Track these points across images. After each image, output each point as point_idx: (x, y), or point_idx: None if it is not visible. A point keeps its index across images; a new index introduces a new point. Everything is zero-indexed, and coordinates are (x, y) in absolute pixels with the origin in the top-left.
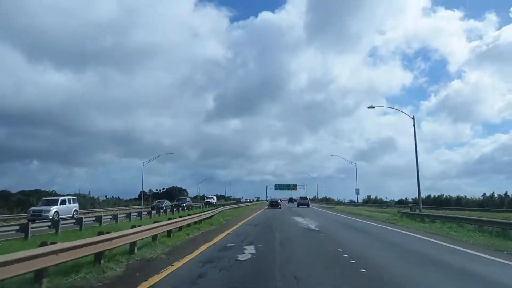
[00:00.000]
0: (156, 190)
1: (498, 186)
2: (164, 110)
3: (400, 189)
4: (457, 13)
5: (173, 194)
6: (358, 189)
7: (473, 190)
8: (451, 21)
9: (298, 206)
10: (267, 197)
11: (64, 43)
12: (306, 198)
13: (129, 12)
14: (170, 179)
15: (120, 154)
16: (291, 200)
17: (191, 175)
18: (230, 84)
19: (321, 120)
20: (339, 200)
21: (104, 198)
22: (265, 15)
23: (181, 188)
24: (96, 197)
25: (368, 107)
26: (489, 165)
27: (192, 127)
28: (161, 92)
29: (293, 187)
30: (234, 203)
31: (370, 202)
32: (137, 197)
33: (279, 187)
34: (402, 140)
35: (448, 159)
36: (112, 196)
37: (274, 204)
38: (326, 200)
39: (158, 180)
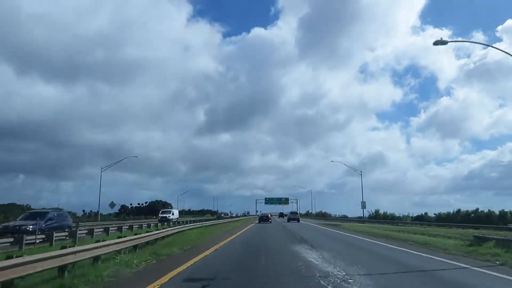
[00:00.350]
0: (138, 204)
1: (487, 202)
2: (154, 124)
3: (391, 204)
4: (445, 32)
5: (157, 208)
6: (365, 202)
7: (465, 205)
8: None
9: (288, 221)
10: (256, 211)
11: (54, 56)
12: (297, 213)
13: (120, 27)
14: (159, 194)
15: (108, 168)
16: (281, 215)
17: (181, 189)
18: (221, 99)
19: (312, 135)
20: (337, 215)
21: (82, 213)
22: (257, 31)
23: (165, 202)
24: (73, 212)
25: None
26: (477, 181)
27: (182, 141)
28: (152, 106)
29: (285, 201)
30: (212, 219)
31: (379, 217)
32: (117, 211)
33: (269, 201)
34: (392, 155)
35: (437, 174)
36: (91, 211)
37: (264, 218)
38: (322, 215)
39: (148, 194)
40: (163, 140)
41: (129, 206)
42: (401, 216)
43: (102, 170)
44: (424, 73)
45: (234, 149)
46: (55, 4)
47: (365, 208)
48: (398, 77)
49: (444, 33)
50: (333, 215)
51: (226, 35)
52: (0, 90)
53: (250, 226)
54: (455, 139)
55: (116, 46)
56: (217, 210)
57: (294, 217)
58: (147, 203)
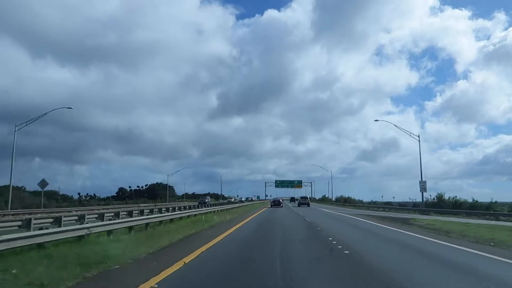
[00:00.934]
0: (138, 187)
1: (501, 188)
2: (166, 108)
3: (402, 189)
4: (465, 12)
5: (156, 191)
6: (425, 183)
7: (478, 191)
8: (459, 20)
9: (299, 205)
10: (266, 196)
11: (67, 39)
12: (307, 197)
13: (132, 10)
14: (170, 178)
15: (119, 151)
16: (292, 199)
17: (192, 173)
18: (233, 82)
19: (325, 120)
20: (362, 201)
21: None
22: (270, 13)
23: (166, 185)
24: (70, 195)
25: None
26: (492, 166)
27: (194, 125)
28: (164, 90)
29: (297, 184)
30: (211, 205)
31: (445, 205)
32: (115, 194)
33: (280, 184)
34: (405, 141)
35: (450, 159)
36: (87, 194)
37: (276, 203)
38: (345, 201)
39: (159, 178)
40: (175, 124)
41: (128, 189)
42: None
43: (16, 128)
44: (442, 55)
45: (246, 133)
46: None
47: (425, 191)
48: (414, 60)
49: (463, 14)
50: (357, 200)
51: (239, 17)
52: (15, 74)
53: (264, 208)
54: (471, 124)
55: (128, 29)
56: (222, 194)
57: (304, 201)
58: (147, 186)
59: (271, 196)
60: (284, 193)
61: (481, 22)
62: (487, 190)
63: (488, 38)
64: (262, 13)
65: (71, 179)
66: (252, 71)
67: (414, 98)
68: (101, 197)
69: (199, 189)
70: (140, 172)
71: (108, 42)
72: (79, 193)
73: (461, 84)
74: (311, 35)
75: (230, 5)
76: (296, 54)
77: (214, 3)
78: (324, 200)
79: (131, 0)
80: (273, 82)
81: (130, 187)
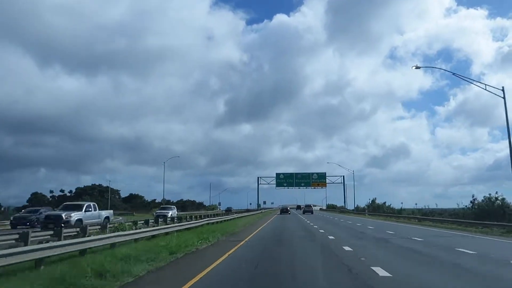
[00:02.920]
0: (61, 191)
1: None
2: (174, 115)
3: (412, 195)
4: (481, 12)
5: (92, 197)
6: None
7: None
8: (475, 20)
9: (304, 213)
10: (259, 205)
11: (74, 47)
12: (311, 206)
13: (141, 16)
14: (176, 187)
15: (126, 161)
16: (299, 207)
17: (198, 182)
18: (242, 88)
19: (335, 126)
20: (390, 205)
21: None
22: (280, 18)
23: (105, 188)
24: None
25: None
26: (503, 171)
27: (202, 133)
28: (172, 97)
29: (317, 181)
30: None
31: None
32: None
33: (285, 180)
34: (416, 146)
35: (460, 164)
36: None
37: (284, 211)
38: (373, 209)
39: (166, 187)
40: (183, 132)
41: (49, 195)
42: None
43: None
44: (458, 56)
45: (254, 140)
46: None
47: None
48: (428, 62)
49: (479, 13)
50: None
51: (249, 22)
52: (22, 83)
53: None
54: (485, 128)
55: (137, 35)
56: (218, 205)
57: (308, 209)
58: (76, 190)
59: (272, 203)
60: (290, 198)
61: (499, 21)
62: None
63: (501, 40)
64: (271, 18)
65: (72, 187)
66: (261, 77)
67: (426, 102)
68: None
69: (204, 198)
70: (146, 182)
71: (116, 48)
72: None
73: (475, 86)
74: (323, 38)
75: (240, 10)
76: (306, 59)
77: (224, 8)
78: (343, 210)
79: (140, 6)
80: (283, 87)
81: (52, 191)
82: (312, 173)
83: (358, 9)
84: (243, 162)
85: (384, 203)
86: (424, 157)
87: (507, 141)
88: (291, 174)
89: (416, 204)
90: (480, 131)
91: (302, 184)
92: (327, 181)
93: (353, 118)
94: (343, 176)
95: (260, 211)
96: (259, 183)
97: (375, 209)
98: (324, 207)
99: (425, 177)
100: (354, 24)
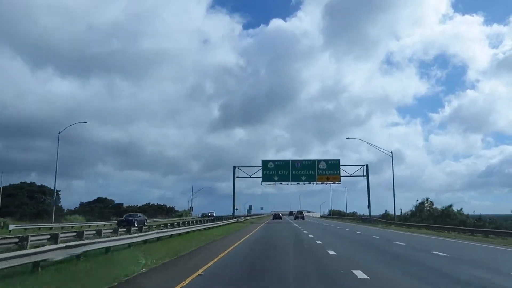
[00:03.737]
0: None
1: (501, 200)
2: (168, 120)
3: (403, 201)
4: (477, 18)
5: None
6: None
7: (479, 203)
8: (472, 26)
9: (295, 218)
10: (234, 211)
11: (67, 49)
12: (302, 212)
13: (136, 18)
14: (169, 192)
15: (118, 165)
16: (291, 213)
17: (192, 188)
18: (237, 93)
19: (330, 131)
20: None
21: None
22: (276, 22)
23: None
24: None
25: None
26: (494, 178)
27: (195, 138)
28: (166, 101)
29: (328, 174)
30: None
31: None
32: None
33: (276, 171)
34: (411, 152)
35: (453, 170)
36: None
37: (277, 216)
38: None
39: (158, 193)
40: (177, 137)
41: None
42: None
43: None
44: (453, 62)
45: (248, 145)
46: None
47: None
48: (424, 68)
49: (475, 20)
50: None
51: (246, 26)
52: (13, 86)
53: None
54: (478, 134)
55: (132, 38)
56: (173, 207)
57: (299, 215)
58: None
59: (261, 209)
60: (284, 205)
61: (495, 28)
62: (487, 202)
63: (496, 47)
64: (267, 23)
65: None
66: (257, 81)
67: (421, 107)
68: None
69: (198, 204)
70: (139, 188)
71: (110, 51)
72: None
73: (470, 93)
74: (318, 44)
75: (236, 14)
76: (302, 64)
77: (221, 11)
78: (340, 214)
79: (135, 9)
80: (279, 92)
81: None
82: (319, 161)
83: (355, 14)
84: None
85: (450, 206)
86: (417, 163)
87: (499, 148)
88: (286, 162)
89: (401, 209)
90: (473, 137)
91: (303, 178)
92: (342, 173)
93: (348, 123)
94: (366, 166)
95: (236, 219)
96: (236, 175)
97: (430, 217)
98: (326, 213)
99: (418, 183)
100: (351, 29)
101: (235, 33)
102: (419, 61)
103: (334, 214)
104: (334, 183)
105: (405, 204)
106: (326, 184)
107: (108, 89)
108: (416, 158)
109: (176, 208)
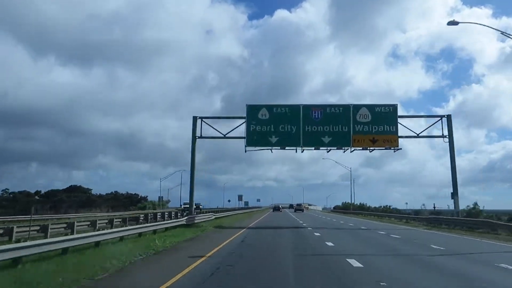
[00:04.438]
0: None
1: (501, 195)
2: (169, 111)
3: (403, 196)
4: (485, 11)
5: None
6: None
7: (480, 198)
8: (480, 19)
9: (295, 211)
10: (190, 200)
11: (68, 38)
12: (301, 204)
13: (139, 7)
14: (169, 183)
15: (120, 157)
16: (291, 206)
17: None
18: (240, 85)
19: None
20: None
21: None
22: (281, 13)
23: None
24: None
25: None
26: (496, 173)
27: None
28: (168, 92)
29: (379, 133)
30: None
31: None
32: None
33: (272, 127)
34: (411, 147)
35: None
36: None
37: (277, 209)
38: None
39: (158, 185)
40: (178, 129)
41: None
42: None
43: None
44: (460, 55)
45: None
46: None
47: None
48: (430, 61)
49: (484, 12)
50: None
51: (250, 17)
52: (13, 75)
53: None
54: (482, 129)
55: (134, 28)
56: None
57: (299, 208)
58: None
59: (258, 201)
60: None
61: (505, 20)
62: (488, 198)
63: (505, 40)
64: (272, 14)
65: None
66: (260, 73)
67: (425, 102)
68: None
69: (198, 196)
70: (139, 179)
71: (112, 40)
72: None
73: (475, 87)
74: (323, 35)
75: (241, 4)
76: (307, 55)
77: (226, 1)
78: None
79: None
80: (282, 84)
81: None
82: (357, 107)
83: (361, 6)
84: (235, 160)
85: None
86: (419, 158)
87: (501, 144)
88: (294, 109)
89: (406, 203)
90: (476, 132)
91: (326, 138)
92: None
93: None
94: (448, 118)
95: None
96: (199, 135)
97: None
98: (331, 207)
99: (418, 177)
100: (357, 21)
101: (239, 24)
102: (425, 54)
103: (344, 208)
104: (387, 148)
105: (402, 200)
106: (370, 150)
107: (109, 79)
108: (418, 153)
109: (149, 199)
